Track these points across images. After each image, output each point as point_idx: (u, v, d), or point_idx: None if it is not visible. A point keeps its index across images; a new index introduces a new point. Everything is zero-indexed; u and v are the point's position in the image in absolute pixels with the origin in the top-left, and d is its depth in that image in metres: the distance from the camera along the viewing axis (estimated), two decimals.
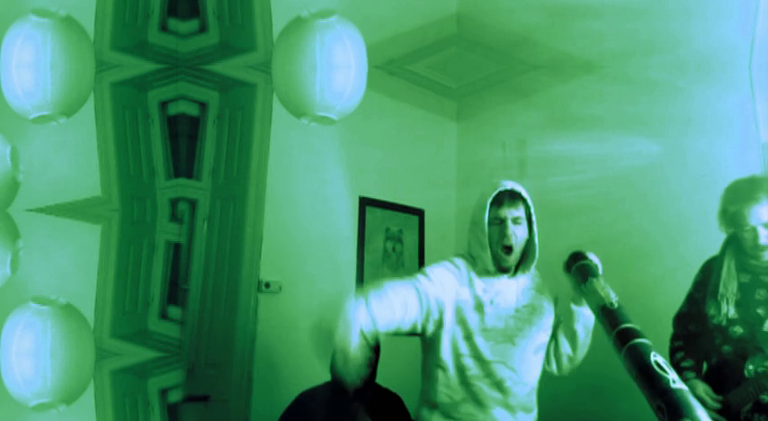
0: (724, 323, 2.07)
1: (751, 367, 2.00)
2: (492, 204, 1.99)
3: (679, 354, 2.18)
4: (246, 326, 2.82)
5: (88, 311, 2.19)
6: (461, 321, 1.99)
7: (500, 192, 2.00)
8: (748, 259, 2.10)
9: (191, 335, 2.46)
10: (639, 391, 1.67)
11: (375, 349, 2.78)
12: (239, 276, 2.73)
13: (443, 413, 2.03)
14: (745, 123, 2.72)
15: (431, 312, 1.97)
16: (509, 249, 1.99)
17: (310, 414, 2.63)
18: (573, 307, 2.10)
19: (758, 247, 2.05)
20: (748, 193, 2.06)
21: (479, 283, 2.03)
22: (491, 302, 2.01)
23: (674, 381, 1.60)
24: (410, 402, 2.87)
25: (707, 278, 2.17)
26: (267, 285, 2.95)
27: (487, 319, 2.00)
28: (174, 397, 2.16)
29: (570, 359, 2.14)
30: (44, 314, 2.13)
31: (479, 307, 2.00)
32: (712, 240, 2.23)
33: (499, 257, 2.00)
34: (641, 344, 1.71)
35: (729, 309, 2.06)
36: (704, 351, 2.20)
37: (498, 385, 2.00)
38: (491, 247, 1.99)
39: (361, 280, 3.36)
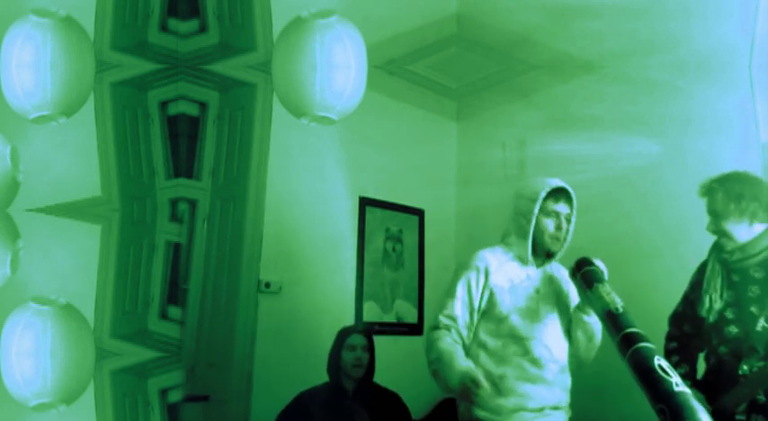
0: (712, 319, 2.07)
1: (745, 367, 1.99)
2: (547, 198, 2.13)
3: (674, 358, 2.17)
4: (246, 326, 2.81)
5: (88, 311, 2.18)
6: (500, 302, 2.11)
7: (554, 189, 2.14)
8: (728, 256, 2.10)
9: (191, 336, 2.46)
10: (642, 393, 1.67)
11: (370, 348, 2.79)
12: (239, 276, 2.72)
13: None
14: (745, 123, 2.72)
15: (481, 302, 2.14)
16: (558, 241, 2.15)
17: (310, 414, 2.63)
18: (574, 312, 2.14)
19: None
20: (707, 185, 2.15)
21: (512, 268, 2.16)
22: (523, 286, 2.14)
23: (677, 385, 1.62)
24: (410, 402, 2.88)
25: (701, 278, 2.17)
26: (267, 285, 2.95)
27: (522, 301, 2.12)
28: (174, 397, 2.16)
29: (573, 357, 2.19)
30: (44, 314, 2.12)
31: (513, 289, 2.13)
32: (712, 240, 2.23)
33: (546, 245, 2.15)
34: (645, 348, 1.74)
35: (715, 303, 2.06)
36: (698, 352, 2.20)
37: (536, 362, 2.09)
38: (538, 236, 2.14)
39: (361, 280, 3.36)
